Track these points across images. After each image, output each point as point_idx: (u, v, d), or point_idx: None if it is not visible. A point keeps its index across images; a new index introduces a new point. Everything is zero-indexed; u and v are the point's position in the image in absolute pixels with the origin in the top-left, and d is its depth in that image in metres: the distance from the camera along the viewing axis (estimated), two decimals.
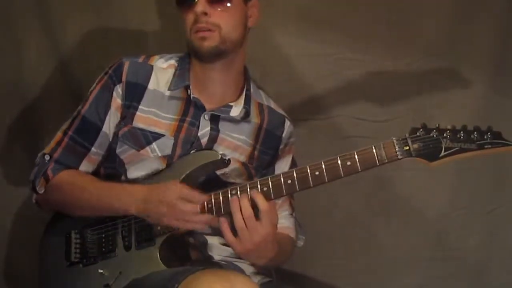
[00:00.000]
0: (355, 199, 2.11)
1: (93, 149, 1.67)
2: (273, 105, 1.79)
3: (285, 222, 1.73)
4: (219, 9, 1.57)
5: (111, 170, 1.68)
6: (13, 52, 1.99)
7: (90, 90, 1.69)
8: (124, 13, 2.03)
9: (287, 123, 1.79)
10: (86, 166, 1.68)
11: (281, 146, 1.76)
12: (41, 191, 1.66)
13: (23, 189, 2.00)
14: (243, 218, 1.45)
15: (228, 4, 1.58)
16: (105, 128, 1.67)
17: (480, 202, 2.09)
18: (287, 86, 2.06)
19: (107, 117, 1.66)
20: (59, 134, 1.68)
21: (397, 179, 2.08)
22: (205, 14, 1.55)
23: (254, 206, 1.46)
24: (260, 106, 1.75)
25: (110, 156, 1.68)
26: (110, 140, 1.67)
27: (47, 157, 1.67)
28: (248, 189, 1.49)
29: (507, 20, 1.93)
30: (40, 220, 1.74)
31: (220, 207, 1.51)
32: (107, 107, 1.66)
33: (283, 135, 1.77)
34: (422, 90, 2.01)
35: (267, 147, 1.73)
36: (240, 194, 1.49)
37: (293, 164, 1.78)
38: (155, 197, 1.52)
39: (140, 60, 1.69)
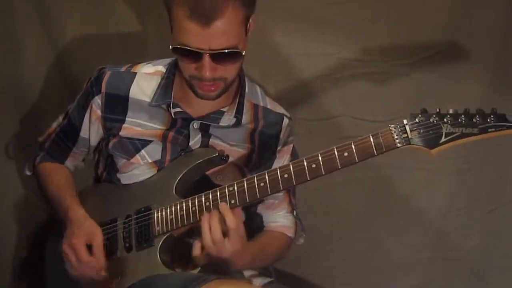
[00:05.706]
0: (354, 199, 2.11)
1: (74, 149, 1.73)
2: (269, 104, 1.72)
3: (282, 221, 1.72)
4: (226, 65, 1.46)
5: (108, 178, 1.69)
6: (12, 52, 1.98)
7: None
8: (124, 13, 2.02)
9: (285, 122, 1.71)
10: (71, 161, 1.76)
11: (279, 147, 1.70)
12: (29, 173, 1.79)
13: (23, 189, 2.01)
14: (212, 238, 1.44)
15: (236, 60, 1.47)
16: (82, 133, 1.70)
17: (480, 202, 2.09)
18: (287, 86, 2.05)
19: (84, 124, 1.68)
20: (53, 126, 1.76)
21: (396, 178, 2.08)
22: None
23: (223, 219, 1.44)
24: (256, 108, 1.68)
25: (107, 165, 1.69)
26: (92, 145, 1.71)
27: (41, 145, 1.76)
28: (219, 200, 1.47)
29: (507, 19, 1.93)
30: (42, 221, 1.74)
31: (196, 214, 1.50)
32: (83, 113, 1.68)
33: (281, 135, 1.70)
34: (422, 90, 2.00)
35: (264, 149, 1.68)
36: (213, 208, 1.47)
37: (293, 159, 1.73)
38: (76, 232, 1.53)
39: (123, 69, 1.65)
